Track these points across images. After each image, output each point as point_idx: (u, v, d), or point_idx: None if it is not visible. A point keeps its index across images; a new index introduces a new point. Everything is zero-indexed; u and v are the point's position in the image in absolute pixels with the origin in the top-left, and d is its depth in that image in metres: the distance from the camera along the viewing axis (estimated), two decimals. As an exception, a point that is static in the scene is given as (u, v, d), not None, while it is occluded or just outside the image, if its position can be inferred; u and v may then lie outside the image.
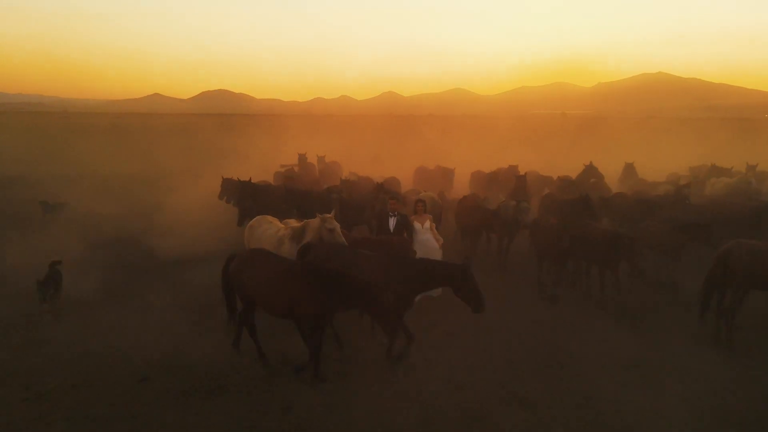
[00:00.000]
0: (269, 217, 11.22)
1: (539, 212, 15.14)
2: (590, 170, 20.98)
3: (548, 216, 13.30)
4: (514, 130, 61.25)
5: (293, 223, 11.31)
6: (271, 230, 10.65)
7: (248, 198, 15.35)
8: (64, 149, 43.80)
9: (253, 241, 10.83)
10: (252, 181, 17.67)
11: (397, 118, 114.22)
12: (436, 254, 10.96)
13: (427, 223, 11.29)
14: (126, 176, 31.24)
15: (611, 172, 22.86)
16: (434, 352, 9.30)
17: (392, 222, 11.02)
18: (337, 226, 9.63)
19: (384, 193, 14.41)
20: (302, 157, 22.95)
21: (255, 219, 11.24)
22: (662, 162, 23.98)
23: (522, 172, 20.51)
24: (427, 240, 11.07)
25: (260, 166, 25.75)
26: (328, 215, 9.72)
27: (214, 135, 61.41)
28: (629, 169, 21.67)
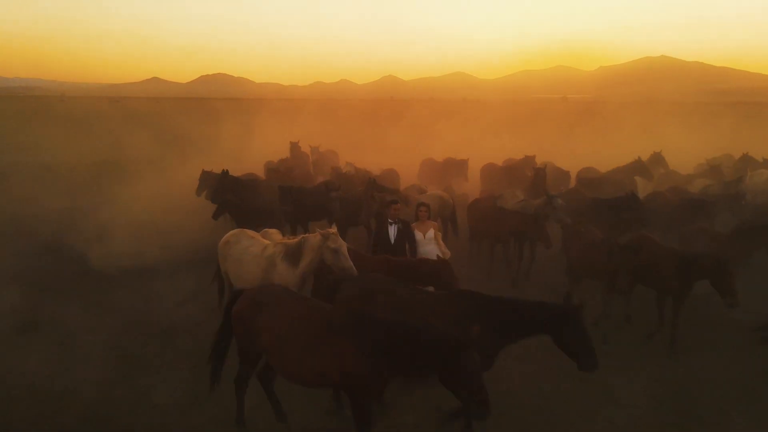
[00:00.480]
0: (249, 232, 8.81)
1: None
2: (657, 159, 18.54)
3: (583, 221, 10.88)
4: (510, 115, 58.43)
5: (276, 236, 9.19)
6: (254, 248, 8.30)
7: (227, 192, 13.44)
8: (17, 135, 39.78)
9: (230, 261, 8.52)
10: (235, 174, 15.61)
11: (394, 102, 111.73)
12: None
13: (431, 232, 9.11)
14: (79, 166, 26.86)
15: (609, 158, 20.61)
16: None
17: (392, 231, 9.00)
18: (343, 245, 7.37)
19: (377, 190, 12.48)
20: (294, 146, 20.71)
21: (231, 233, 8.82)
22: (667, 149, 21.82)
23: (532, 163, 18.45)
24: (430, 254, 8.92)
25: (246, 156, 23.49)
26: (332, 231, 7.48)
27: (201, 120, 55.53)
28: (657, 159, 19.11)
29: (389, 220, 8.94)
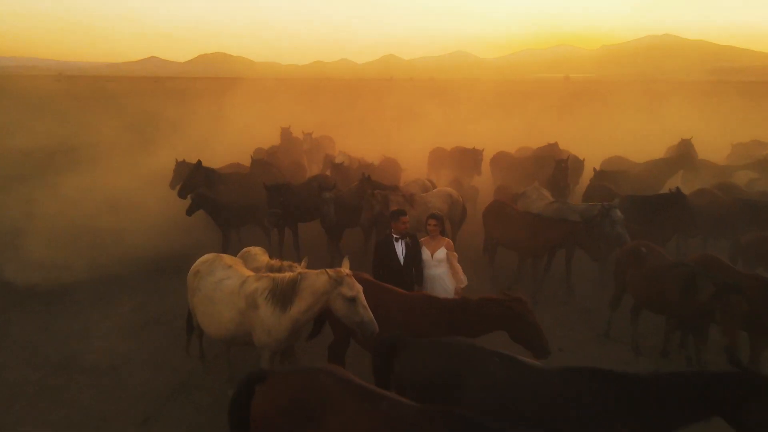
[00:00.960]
0: (227, 258, 6.69)
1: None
2: (686, 148, 16.14)
3: (642, 240, 8.26)
4: (509, 95, 55.63)
5: (261, 257, 7.17)
6: (231, 281, 6.24)
7: (199, 185, 11.85)
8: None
9: (198, 297, 6.40)
10: (221, 164, 13.71)
11: (393, 82, 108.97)
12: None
13: (442, 251, 7.12)
14: (36, 151, 23.92)
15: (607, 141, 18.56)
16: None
17: (400, 248, 7.14)
18: (360, 290, 5.33)
19: (373, 187, 10.64)
20: (285, 132, 18.73)
21: (203, 261, 6.69)
22: (671, 131, 19.84)
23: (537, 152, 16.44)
24: (437, 279, 7.12)
25: (232, 141, 21.33)
26: (345, 271, 5.40)
27: (192, 100, 49.29)
28: (686, 147, 17.14)
29: (394, 235, 7.07)
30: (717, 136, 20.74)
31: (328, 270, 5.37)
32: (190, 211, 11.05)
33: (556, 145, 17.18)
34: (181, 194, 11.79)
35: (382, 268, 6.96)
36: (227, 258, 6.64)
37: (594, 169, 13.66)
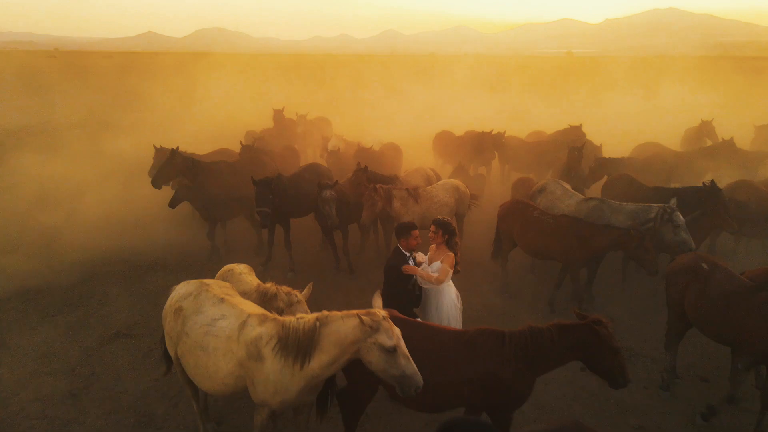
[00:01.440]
0: (215, 288, 5.12)
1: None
2: (707, 130, 15.26)
3: (704, 254, 6.96)
4: (510, 72, 53.56)
5: (248, 278, 5.80)
6: (226, 323, 4.73)
7: (174, 175, 10.88)
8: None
9: (185, 345, 4.90)
10: (211, 148, 12.62)
11: (393, 57, 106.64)
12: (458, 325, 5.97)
13: (445, 265, 5.85)
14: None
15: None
16: None
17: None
18: (399, 336, 4.17)
19: (367, 178, 9.58)
20: (278, 114, 17.42)
21: (184, 291, 5.13)
22: (676, 109, 18.67)
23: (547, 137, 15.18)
24: (441, 291, 5.94)
25: (223, 120, 20.09)
26: (381, 313, 4.22)
27: (186, 76, 43.05)
28: (706, 130, 15.78)
29: (405, 253, 5.89)
30: (726, 115, 19.56)
31: (360, 314, 4.15)
32: (173, 204, 10.19)
33: (579, 127, 15.51)
34: (155, 184, 10.76)
35: (398, 296, 5.76)
36: (215, 287, 5.12)
37: (598, 157, 12.48)
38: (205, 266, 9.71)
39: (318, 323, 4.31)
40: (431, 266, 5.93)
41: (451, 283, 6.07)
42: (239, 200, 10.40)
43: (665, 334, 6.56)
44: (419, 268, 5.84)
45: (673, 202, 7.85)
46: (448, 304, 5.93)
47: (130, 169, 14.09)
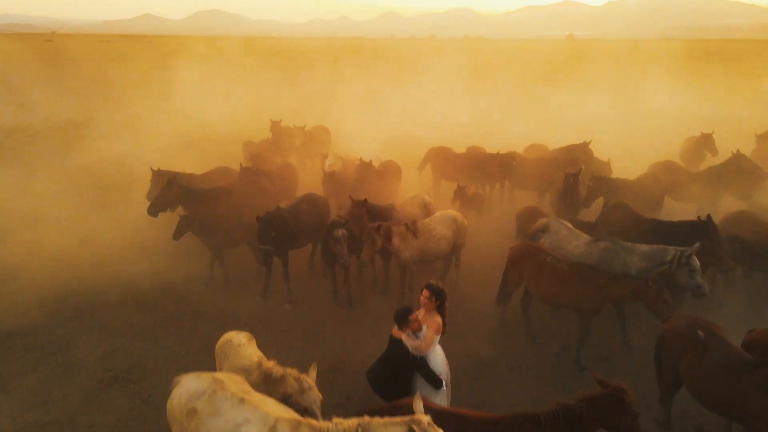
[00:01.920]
0: (229, 384, 4.74)
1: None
2: (707, 143, 14.82)
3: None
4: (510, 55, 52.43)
5: (247, 347, 5.64)
6: (250, 428, 4.39)
7: (172, 202, 10.77)
8: None
9: None
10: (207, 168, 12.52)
11: (393, 40, 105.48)
12: (440, 397, 5.85)
13: (430, 332, 5.80)
14: None
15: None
16: None
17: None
18: None
19: (361, 210, 9.43)
20: (276, 125, 17.15)
21: (198, 393, 4.66)
22: (680, 102, 18.29)
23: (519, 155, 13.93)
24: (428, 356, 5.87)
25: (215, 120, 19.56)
26: (425, 420, 4.03)
27: (180, 64, 39.13)
28: (706, 143, 15.43)
29: (403, 338, 5.77)
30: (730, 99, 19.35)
31: (412, 422, 3.90)
32: (176, 236, 10.08)
33: (587, 144, 14.46)
34: (151, 212, 10.69)
35: (402, 388, 5.74)
36: (229, 383, 4.64)
37: (595, 176, 12.09)
38: (204, 296, 9.78)
39: (360, 430, 4.06)
40: (420, 333, 5.85)
41: (438, 347, 6.01)
42: (242, 227, 10.29)
43: (660, 394, 6.53)
44: (404, 335, 5.77)
45: (695, 247, 7.55)
46: (436, 370, 5.86)
47: (103, 182, 13.41)
